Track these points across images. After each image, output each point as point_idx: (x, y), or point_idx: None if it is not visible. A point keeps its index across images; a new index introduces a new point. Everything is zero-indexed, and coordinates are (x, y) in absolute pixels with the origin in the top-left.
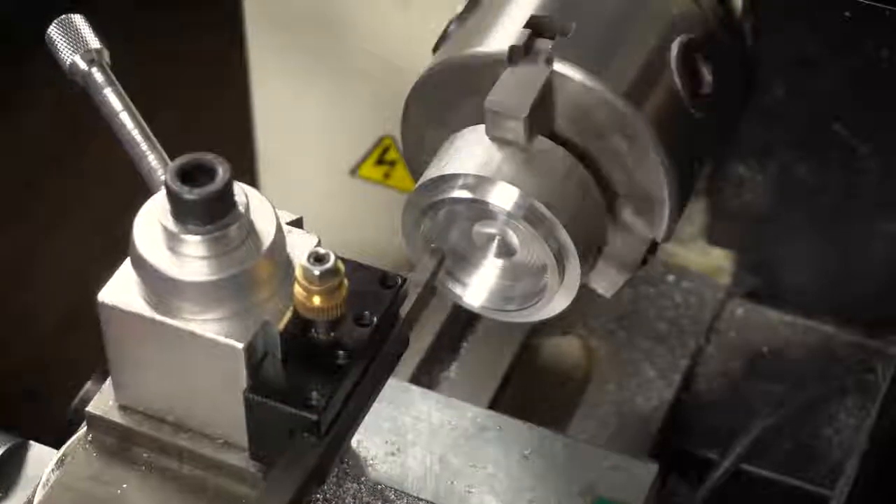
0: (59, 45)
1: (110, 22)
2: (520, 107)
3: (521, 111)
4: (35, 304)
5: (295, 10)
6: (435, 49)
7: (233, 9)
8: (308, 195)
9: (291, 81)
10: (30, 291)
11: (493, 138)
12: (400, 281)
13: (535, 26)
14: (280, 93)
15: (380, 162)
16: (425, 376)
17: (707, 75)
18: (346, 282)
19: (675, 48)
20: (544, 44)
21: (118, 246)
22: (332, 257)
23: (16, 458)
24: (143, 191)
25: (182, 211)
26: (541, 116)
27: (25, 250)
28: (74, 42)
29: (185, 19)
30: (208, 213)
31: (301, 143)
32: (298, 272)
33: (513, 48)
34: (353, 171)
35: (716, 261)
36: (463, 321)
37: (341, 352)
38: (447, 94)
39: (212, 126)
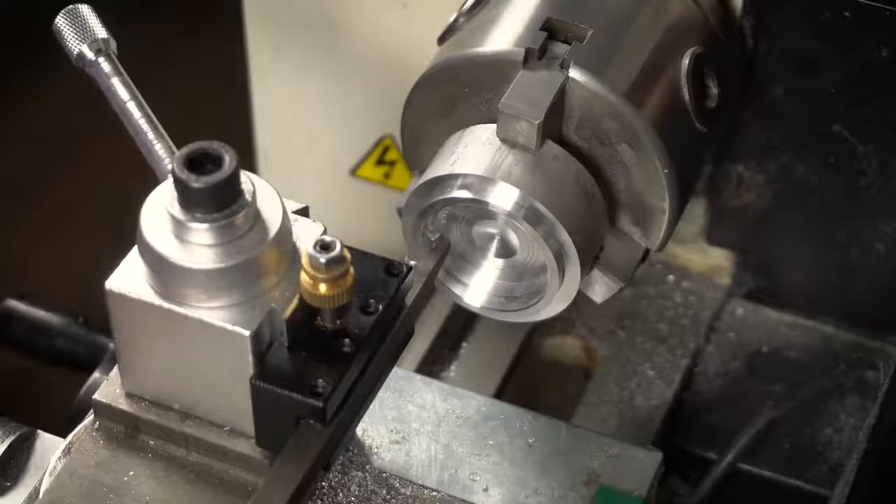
0: (67, 34)
1: (110, 22)
2: (534, 112)
3: (536, 117)
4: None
5: (295, 10)
6: (441, 40)
7: (233, 8)
8: (308, 195)
9: (291, 81)
10: (30, 292)
11: (504, 140)
12: (405, 269)
13: (550, 29)
14: (280, 92)
15: (380, 162)
16: (426, 376)
17: (714, 88)
18: (351, 270)
19: (686, 61)
20: (559, 48)
21: (119, 246)
22: (338, 245)
23: (24, 447)
24: (144, 191)
25: (189, 199)
26: (552, 121)
27: (26, 250)
28: (82, 32)
29: (185, 19)
30: (215, 201)
31: (301, 143)
32: (305, 260)
33: (528, 51)
34: (353, 171)
35: (716, 261)
36: (463, 321)
37: (347, 339)
38: (450, 92)
39: (212, 125)
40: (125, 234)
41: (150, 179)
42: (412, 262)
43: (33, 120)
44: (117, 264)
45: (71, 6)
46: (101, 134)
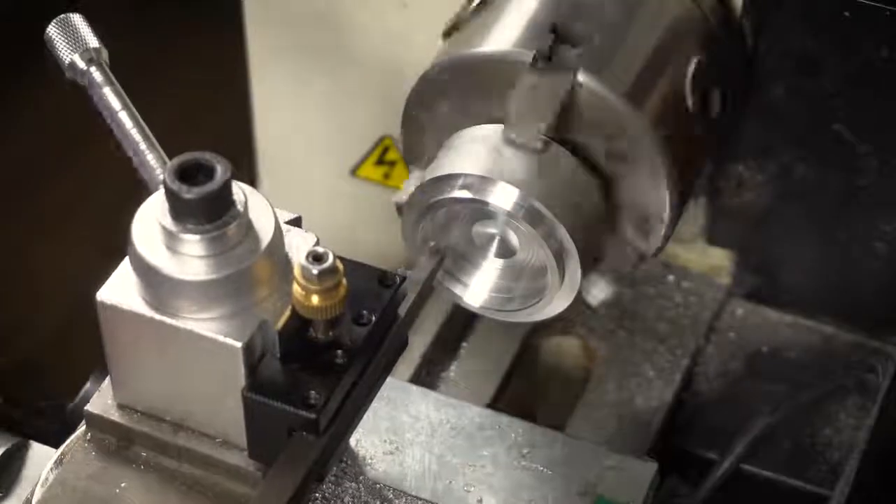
0: (58, 44)
1: (110, 22)
2: (543, 115)
3: (545, 119)
4: (34, 305)
5: (295, 10)
6: (446, 35)
7: (233, 8)
8: (308, 195)
9: (291, 81)
10: (28, 293)
11: (508, 140)
12: (399, 280)
13: (558, 31)
14: (280, 93)
15: (380, 162)
16: (425, 376)
17: (716, 98)
18: (344, 281)
19: (690, 69)
20: (566, 50)
21: (118, 247)
22: (331, 256)
23: (15, 458)
24: (143, 192)
25: (180, 210)
26: (557, 124)
27: (24, 251)
28: (73, 41)
29: (185, 19)
30: (207, 212)
31: (301, 143)
32: (297, 271)
33: (538, 52)
34: (353, 171)
35: (716, 261)
36: (463, 321)
37: (340, 351)
38: (450, 91)
39: (212, 126)
40: (124, 239)
41: None
42: (406, 273)
43: (33, 120)
44: (117, 266)
45: (62, 15)
46: (101, 134)
